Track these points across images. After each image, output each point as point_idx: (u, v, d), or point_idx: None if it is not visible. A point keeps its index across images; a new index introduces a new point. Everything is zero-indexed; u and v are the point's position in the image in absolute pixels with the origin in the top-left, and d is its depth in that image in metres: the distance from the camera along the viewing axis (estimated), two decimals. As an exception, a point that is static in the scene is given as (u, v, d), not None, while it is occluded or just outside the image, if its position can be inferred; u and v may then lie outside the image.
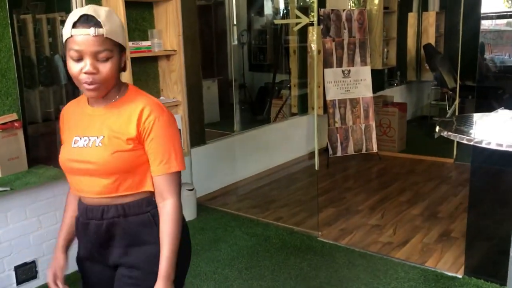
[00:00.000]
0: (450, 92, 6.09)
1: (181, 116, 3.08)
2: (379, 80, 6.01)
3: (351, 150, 5.05)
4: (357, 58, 5.00)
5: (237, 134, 4.68)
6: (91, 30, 1.18)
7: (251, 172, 4.59)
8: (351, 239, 3.22)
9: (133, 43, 2.87)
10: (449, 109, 6.16)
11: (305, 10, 5.13)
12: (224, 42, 6.32)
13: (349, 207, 3.81)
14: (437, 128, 1.59)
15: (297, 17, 3.55)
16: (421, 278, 2.67)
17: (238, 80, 6.42)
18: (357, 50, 4.99)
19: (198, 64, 3.91)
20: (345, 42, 4.95)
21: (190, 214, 3.57)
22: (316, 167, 3.42)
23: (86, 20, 1.19)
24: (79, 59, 1.20)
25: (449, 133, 1.50)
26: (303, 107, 5.40)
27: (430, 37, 6.50)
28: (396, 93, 6.33)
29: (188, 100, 3.67)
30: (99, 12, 1.21)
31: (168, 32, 3.05)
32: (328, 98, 4.96)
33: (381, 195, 4.04)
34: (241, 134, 4.69)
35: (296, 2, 5.76)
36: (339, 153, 5.02)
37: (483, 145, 1.42)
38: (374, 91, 5.19)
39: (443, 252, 2.99)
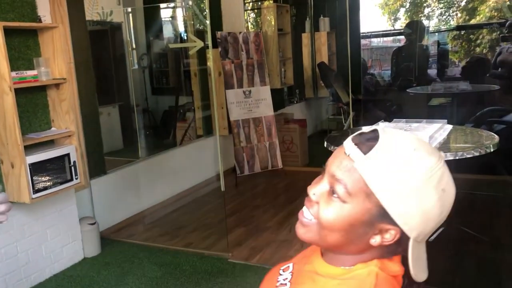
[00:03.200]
0: (345, 107, 6.49)
1: (75, 147, 2.91)
2: (279, 98, 6.23)
3: (257, 168, 5.15)
4: (257, 79, 5.15)
5: (142, 161, 4.55)
6: (348, 147, 0.76)
7: (158, 199, 4.47)
8: (261, 257, 3.25)
9: (16, 73, 2.69)
10: (345, 122, 6.56)
11: (203, 33, 5.20)
12: (123, 67, 6.15)
13: (258, 224, 3.86)
14: (325, 143, 1.68)
15: (193, 41, 3.58)
16: None
17: (141, 104, 6.28)
18: (256, 71, 5.14)
19: (93, 91, 3.75)
20: (244, 63, 5.07)
21: (93, 250, 3.37)
22: (222, 188, 3.42)
23: (359, 136, 0.78)
24: (322, 176, 0.82)
25: (335, 147, 1.59)
26: (208, 129, 5.42)
27: (323, 56, 6.88)
28: (296, 110, 6.61)
29: (84, 129, 3.51)
30: (392, 137, 0.75)
31: (56, 60, 2.90)
32: (232, 118, 5.02)
33: (288, 210, 4.15)
34: (146, 160, 4.57)
35: (194, 25, 5.81)
36: (246, 172, 5.08)
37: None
38: (275, 109, 5.37)
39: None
